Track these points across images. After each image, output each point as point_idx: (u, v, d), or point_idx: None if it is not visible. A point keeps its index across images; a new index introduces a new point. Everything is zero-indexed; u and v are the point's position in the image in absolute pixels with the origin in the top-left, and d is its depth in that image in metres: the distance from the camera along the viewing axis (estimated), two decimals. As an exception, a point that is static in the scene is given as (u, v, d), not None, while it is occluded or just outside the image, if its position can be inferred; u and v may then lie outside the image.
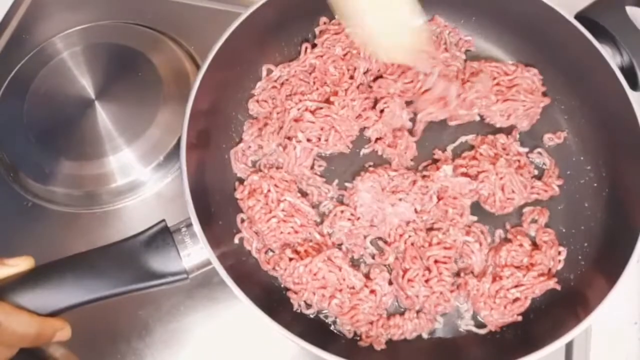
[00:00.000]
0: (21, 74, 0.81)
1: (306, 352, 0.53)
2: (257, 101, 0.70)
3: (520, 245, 0.63)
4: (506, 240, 0.64)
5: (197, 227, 0.56)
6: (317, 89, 0.69)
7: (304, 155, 0.66)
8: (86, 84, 0.79)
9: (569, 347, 0.65)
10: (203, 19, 0.85)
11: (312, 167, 0.68)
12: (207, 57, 0.63)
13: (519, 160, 0.66)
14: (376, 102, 0.70)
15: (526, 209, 0.66)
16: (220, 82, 0.67)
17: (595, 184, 0.66)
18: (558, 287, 0.61)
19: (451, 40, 0.73)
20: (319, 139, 0.67)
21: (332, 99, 0.68)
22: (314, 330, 0.61)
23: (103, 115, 0.76)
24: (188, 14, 0.86)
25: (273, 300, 0.62)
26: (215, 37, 0.64)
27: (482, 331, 0.61)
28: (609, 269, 0.57)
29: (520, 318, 0.61)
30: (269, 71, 0.72)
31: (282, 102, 0.68)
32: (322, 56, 0.71)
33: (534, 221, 0.65)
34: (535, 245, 0.63)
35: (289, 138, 0.67)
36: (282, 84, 0.70)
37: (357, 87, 0.70)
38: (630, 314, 0.68)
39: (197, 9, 0.86)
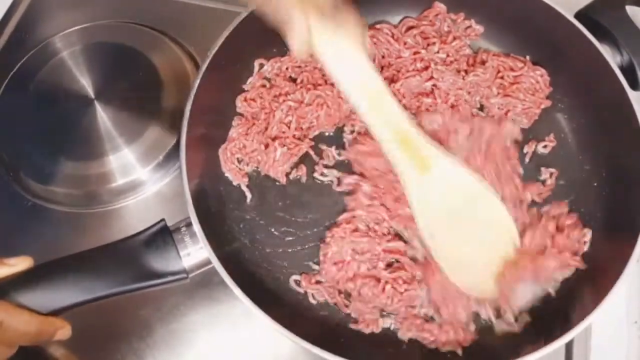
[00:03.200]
0: (21, 73, 0.81)
1: (306, 352, 0.53)
2: (245, 99, 0.70)
3: (545, 228, 0.61)
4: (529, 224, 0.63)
5: (196, 226, 0.56)
6: (301, 88, 0.69)
7: (283, 159, 0.66)
8: (86, 84, 0.79)
9: (569, 347, 0.65)
10: (203, 19, 0.85)
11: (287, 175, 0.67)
12: (207, 57, 0.63)
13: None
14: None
15: (544, 208, 0.64)
16: (220, 82, 0.67)
17: (595, 184, 0.66)
18: (582, 266, 0.61)
19: (460, 26, 0.73)
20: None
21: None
22: (314, 329, 0.61)
23: (103, 115, 0.76)
24: (188, 13, 0.85)
25: (273, 299, 0.62)
26: (215, 37, 0.64)
27: (515, 328, 0.60)
28: (609, 268, 0.57)
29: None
30: (261, 66, 0.71)
31: (270, 104, 0.68)
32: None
33: (553, 217, 0.64)
34: (558, 229, 0.62)
35: (273, 139, 0.67)
36: (272, 86, 0.70)
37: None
38: (630, 314, 0.68)
39: (197, 8, 0.86)
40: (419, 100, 0.69)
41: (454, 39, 0.71)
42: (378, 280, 0.61)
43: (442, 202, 0.57)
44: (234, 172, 0.67)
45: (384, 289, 0.60)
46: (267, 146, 0.67)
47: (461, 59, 0.71)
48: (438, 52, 0.71)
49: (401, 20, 0.74)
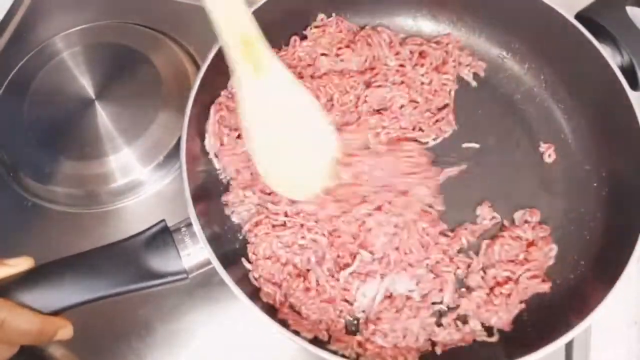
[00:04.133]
0: (21, 73, 0.81)
1: (306, 352, 0.53)
2: None
3: (516, 237, 0.63)
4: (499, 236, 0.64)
5: (196, 226, 0.56)
6: None
7: (242, 156, 0.65)
8: (86, 84, 0.79)
9: (569, 347, 0.65)
10: (203, 19, 0.84)
11: None
12: (207, 57, 0.63)
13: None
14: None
15: (516, 214, 0.65)
16: (220, 82, 0.68)
17: (595, 184, 0.66)
18: (547, 289, 0.61)
19: (462, 61, 0.72)
20: None
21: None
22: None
23: (103, 115, 0.76)
24: (188, 14, 0.86)
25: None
26: (215, 37, 0.64)
27: (494, 339, 0.60)
28: (609, 269, 0.57)
29: (524, 305, 0.61)
30: None
31: None
32: (310, 47, 0.71)
33: (527, 222, 0.65)
34: (530, 243, 0.63)
35: None
36: None
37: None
38: (630, 314, 0.68)
39: (197, 9, 0.85)
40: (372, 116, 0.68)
41: (446, 73, 0.71)
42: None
43: (269, 106, 0.59)
44: (232, 164, 0.66)
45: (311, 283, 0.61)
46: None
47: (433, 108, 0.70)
48: (423, 75, 0.70)
49: (408, 37, 0.73)
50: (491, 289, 0.61)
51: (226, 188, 0.66)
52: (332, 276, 0.62)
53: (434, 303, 0.61)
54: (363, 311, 0.61)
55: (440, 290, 0.61)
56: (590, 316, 0.54)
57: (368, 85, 0.69)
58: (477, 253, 0.63)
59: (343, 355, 0.56)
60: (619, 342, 0.67)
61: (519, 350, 0.54)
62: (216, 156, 0.66)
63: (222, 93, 0.68)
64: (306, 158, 0.62)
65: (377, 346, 0.59)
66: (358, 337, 0.59)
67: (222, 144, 0.66)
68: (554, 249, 0.63)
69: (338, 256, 0.62)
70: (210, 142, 0.66)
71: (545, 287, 0.61)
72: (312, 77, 0.70)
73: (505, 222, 0.65)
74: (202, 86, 0.62)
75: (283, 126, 0.60)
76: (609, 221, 0.63)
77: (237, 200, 0.64)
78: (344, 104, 0.69)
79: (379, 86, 0.69)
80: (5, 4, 0.88)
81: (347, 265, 0.61)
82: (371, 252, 0.62)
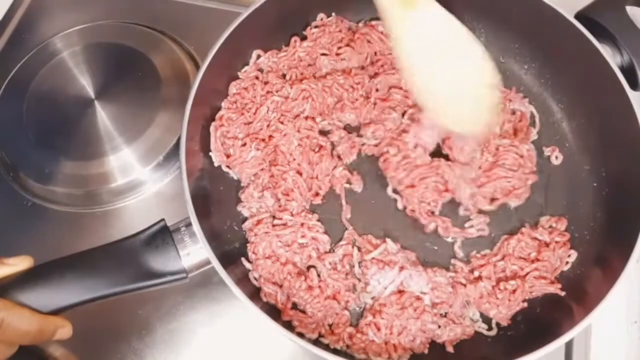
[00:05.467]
0: (21, 73, 0.81)
1: (305, 351, 0.53)
2: (240, 88, 0.69)
3: (534, 238, 0.63)
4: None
5: (196, 226, 0.56)
6: (291, 84, 0.69)
7: (253, 162, 0.66)
8: (86, 84, 0.79)
9: (569, 346, 0.65)
10: (203, 19, 0.85)
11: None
12: (207, 57, 0.63)
13: None
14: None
15: (542, 218, 0.65)
16: (220, 82, 0.68)
17: (595, 184, 0.66)
18: (561, 293, 0.61)
19: None
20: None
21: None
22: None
23: (103, 115, 0.76)
24: (188, 14, 0.86)
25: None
26: (215, 37, 0.64)
27: (492, 332, 0.61)
28: (609, 268, 0.57)
29: (525, 304, 0.61)
30: (258, 56, 0.71)
31: (261, 98, 0.68)
32: (311, 48, 0.71)
33: (552, 227, 0.64)
34: (546, 245, 0.63)
35: (252, 139, 0.67)
36: (266, 82, 0.70)
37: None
38: (630, 314, 0.68)
39: (197, 9, 0.86)
40: (389, 94, 0.69)
41: None
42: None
43: (424, 39, 0.58)
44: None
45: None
46: (243, 144, 0.66)
47: None
48: None
49: None
50: (497, 281, 0.61)
51: (226, 187, 0.66)
52: (335, 269, 0.62)
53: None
54: (373, 297, 0.61)
55: (450, 306, 0.61)
56: (590, 316, 0.54)
57: (375, 77, 0.70)
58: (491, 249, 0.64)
59: (335, 350, 0.56)
60: (619, 342, 0.67)
61: (519, 349, 0.54)
62: (228, 167, 0.67)
63: (223, 105, 0.68)
64: (465, 87, 0.60)
65: (365, 340, 0.59)
66: (349, 329, 0.60)
67: (228, 157, 0.66)
68: (573, 255, 0.63)
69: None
70: (217, 159, 0.66)
71: (553, 288, 0.61)
72: (315, 77, 0.70)
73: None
74: (202, 86, 0.62)
75: (439, 57, 0.58)
76: (609, 221, 0.63)
77: (251, 199, 0.65)
78: (354, 100, 0.69)
79: (388, 74, 0.69)
80: (5, 4, 0.88)
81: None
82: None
